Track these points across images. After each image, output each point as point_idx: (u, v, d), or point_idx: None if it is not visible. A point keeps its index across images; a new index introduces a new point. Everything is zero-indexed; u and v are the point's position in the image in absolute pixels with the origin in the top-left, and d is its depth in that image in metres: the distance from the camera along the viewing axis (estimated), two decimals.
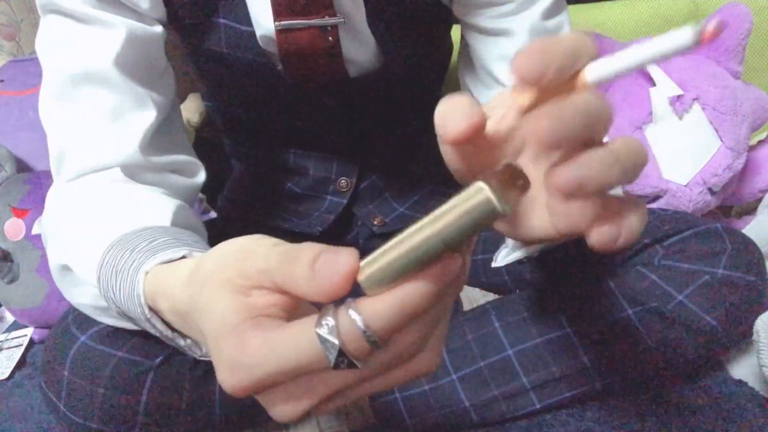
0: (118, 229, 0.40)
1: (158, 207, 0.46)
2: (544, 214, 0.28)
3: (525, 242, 0.37)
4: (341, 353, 0.22)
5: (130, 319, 0.39)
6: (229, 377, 0.24)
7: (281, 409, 0.25)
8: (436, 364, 0.26)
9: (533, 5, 0.58)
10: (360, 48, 0.58)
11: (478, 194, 0.21)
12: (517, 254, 0.50)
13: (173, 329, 0.35)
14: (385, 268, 0.22)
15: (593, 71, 0.24)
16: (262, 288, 0.25)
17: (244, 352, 0.23)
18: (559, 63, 0.23)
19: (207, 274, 0.27)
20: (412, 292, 0.22)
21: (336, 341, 0.22)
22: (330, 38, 0.55)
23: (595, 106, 0.24)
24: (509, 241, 0.50)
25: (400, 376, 0.26)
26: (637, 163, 0.25)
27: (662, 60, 0.23)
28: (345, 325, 0.22)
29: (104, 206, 0.46)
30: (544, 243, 0.43)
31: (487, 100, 0.63)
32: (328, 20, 0.53)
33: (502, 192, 0.21)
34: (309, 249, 0.23)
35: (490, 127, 0.28)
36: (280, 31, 0.54)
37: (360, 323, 0.22)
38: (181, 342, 0.36)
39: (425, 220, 0.22)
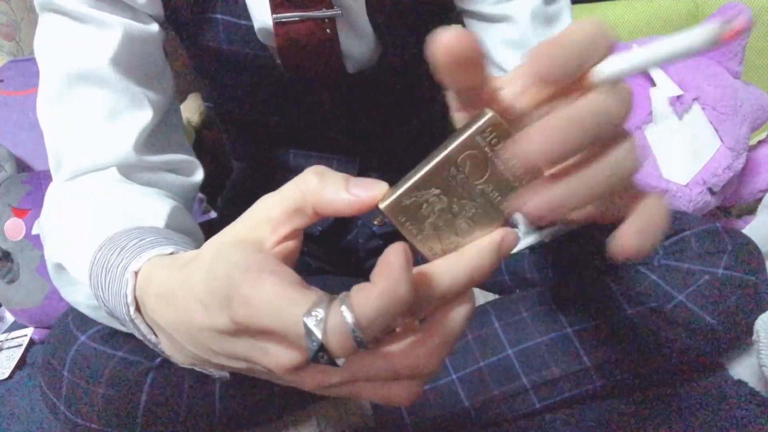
0: (110, 229, 0.40)
1: (153, 208, 0.46)
2: None
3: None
4: (322, 348, 0.21)
5: (117, 319, 0.38)
6: (239, 308, 0.23)
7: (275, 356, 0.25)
8: (411, 399, 0.26)
9: None
10: (358, 41, 0.57)
11: (482, 114, 0.23)
12: (529, 240, 0.49)
13: (156, 334, 0.35)
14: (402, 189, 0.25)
15: (600, 71, 0.23)
16: (271, 223, 0.27)
17: (257, 288, 0.23)
18: (572, 63, 0.22)
19: (215, 246, 0.28)
20: (396, 283, 0.21)
21: (320, 336, 0.21)
22: (327, 30, 0.54)
23: (600, 107, 0.22)
24: (521, 226, 0.50)
25: (372, 393, 0.26)
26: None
27: (674, 61, 0.21)
28: (333, 319, 0.21)
29: (99, 206, 0.46)
30: (557, 225, 0.43)
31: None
32: (325, 12, 0.53)
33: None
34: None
35: (507, 98, 0.27)
36: (278, 24, 0.54)
37: (350, 320, 0.21)
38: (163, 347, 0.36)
39: (437, 149, 0.24)
